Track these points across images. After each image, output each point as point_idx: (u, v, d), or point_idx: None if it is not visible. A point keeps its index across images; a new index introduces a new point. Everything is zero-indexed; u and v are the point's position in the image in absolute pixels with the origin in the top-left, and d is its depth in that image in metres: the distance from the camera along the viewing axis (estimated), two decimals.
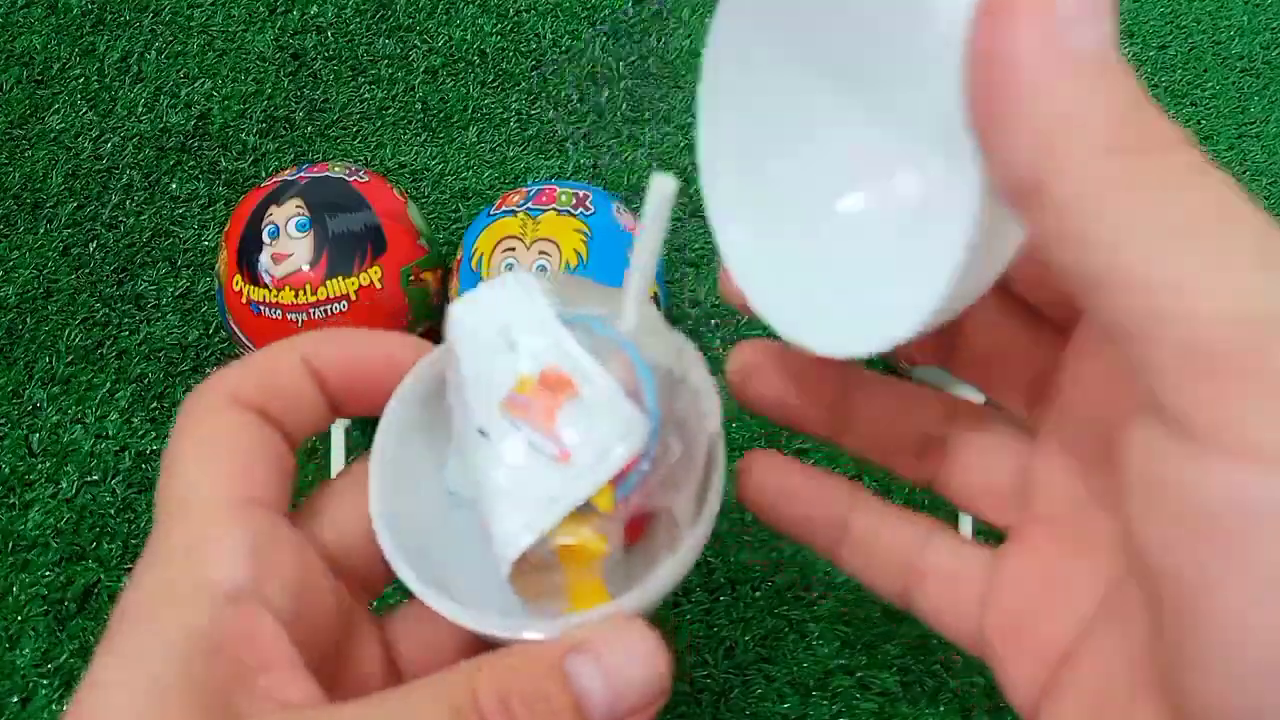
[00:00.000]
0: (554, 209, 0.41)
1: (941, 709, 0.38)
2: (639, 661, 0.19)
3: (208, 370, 0.47)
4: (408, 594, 0.21)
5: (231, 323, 0.42)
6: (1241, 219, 0.13)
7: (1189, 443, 0.13)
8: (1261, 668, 0.13)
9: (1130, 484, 0.15)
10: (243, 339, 0.42)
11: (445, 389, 0.22)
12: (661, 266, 0.44)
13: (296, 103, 0.57)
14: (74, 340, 0.48)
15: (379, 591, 0.25)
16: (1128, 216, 0.14)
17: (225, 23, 0.61)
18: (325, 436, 0.43)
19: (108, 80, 0.58)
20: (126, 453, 0.44)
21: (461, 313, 0.22)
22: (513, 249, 0.40)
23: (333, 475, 0.41)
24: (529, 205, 0.42)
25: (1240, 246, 0.13)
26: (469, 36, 0.61)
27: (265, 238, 0.40)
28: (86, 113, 0.56)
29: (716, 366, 0.47)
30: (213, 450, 0.21)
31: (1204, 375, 0.13)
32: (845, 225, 0.22)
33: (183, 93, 0.58)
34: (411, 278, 0.42)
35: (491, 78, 0.59)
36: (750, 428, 0.45)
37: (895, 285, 0.19)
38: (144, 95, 0.57)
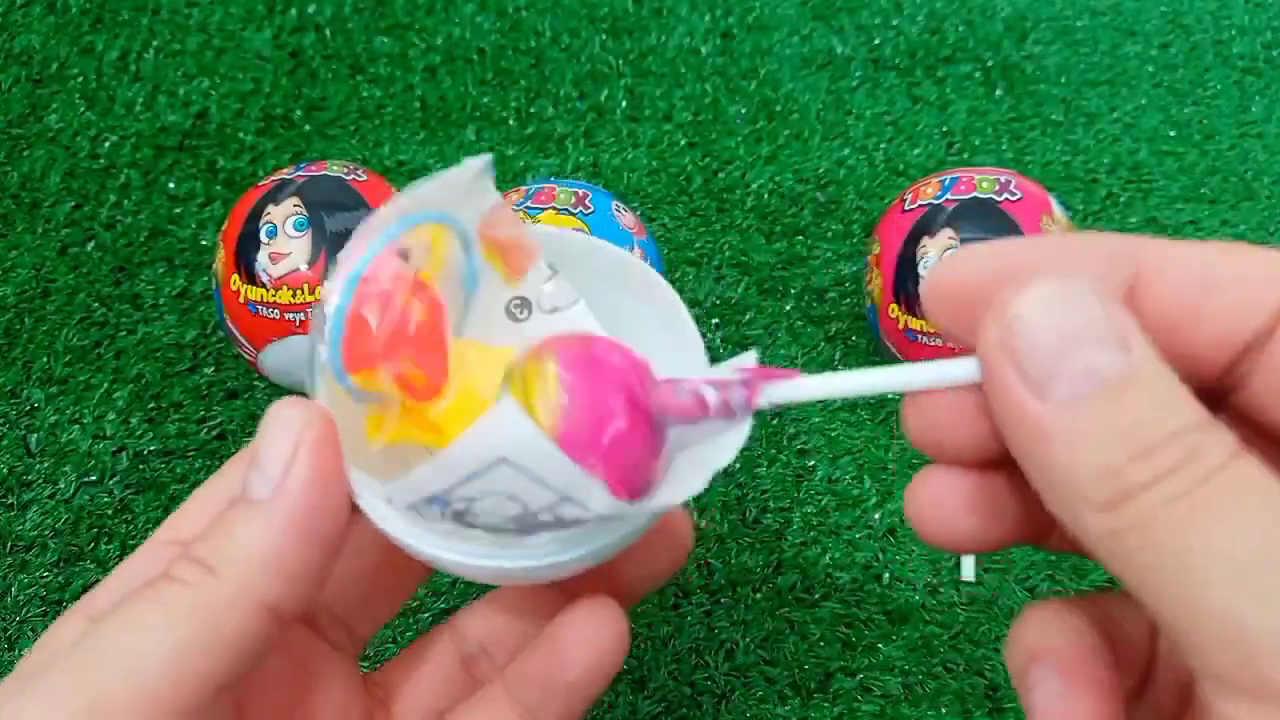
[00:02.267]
0: (553, 208, 0.41)
1: (943, 711, 0.38)
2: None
3: (206, 370, 0.47)
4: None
5: (229, 322, 0.42)
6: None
7: None
8: None
9: None
10: (240, 339, 0.42)
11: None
12: (661, 266, 0.44)
13: (294, 101, 0.57)
14: (71, 340, 0.48)
15: (362, 635, 0.25)
16: (1137, 570, 0.14)
17: (223, 21, 0.61)
18: None
19: (106, 79, 0.58)
20: (124, 453, 0.44)
21: None
22: None
23: None
24: (528, 204, 0.41)
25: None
26: (468, 34, 0.61)
27: (263, 237, 0.40)
28: (84, 111, 0.56)
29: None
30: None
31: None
32: None
33: (181, 91, 0.57)
34: None
35: (490, 75, 0.59)
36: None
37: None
38: (142, 94, 0.57)
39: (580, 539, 0.20)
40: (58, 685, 0.17)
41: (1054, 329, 0.15)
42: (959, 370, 0.17)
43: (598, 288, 0.24)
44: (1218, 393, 0.16)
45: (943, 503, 0.18)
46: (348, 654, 0.24)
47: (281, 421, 0.19)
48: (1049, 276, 0.15)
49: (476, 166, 0.22)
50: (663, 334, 0.24)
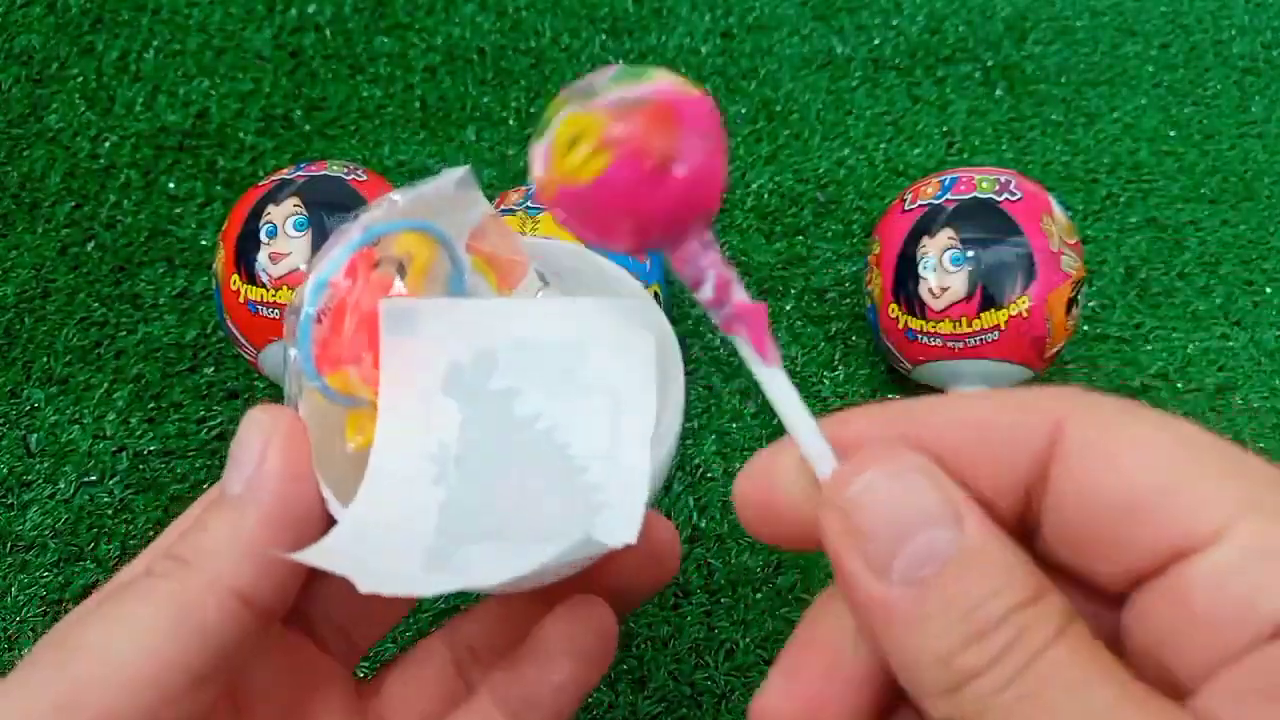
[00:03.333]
0: None
1: None
2: None
3: (205, 370, 0.47)
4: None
5: (229, 322, 0.42)
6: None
7: None
8: None
9: None
10: (240, 339, 0.42)
11: None
12: (661, 266, 0.44)
13: (294, 101, 0.57)
14: (72, 340, 0.48)
15: (360, 649, 0.25)
16: None
17: (223, 21, 0.61)
18: None
19: (106, 79, 0.58)
20: (124, 453, 0.44)
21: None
22: None
23: None
24: (528, 204, 0.41)
25: None
26: (468, 34, 0.61)
27: (263, 237, 0.40)
28: (85, 112, 0.56)
29: (718, 367, 0.47)
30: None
31: None
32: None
33: (181, 91, 0.57)
34: None
35: (490, 75, 0.59)
36: (751, 429, 0.45)
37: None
38: (142, 94, 0.57)
39: (540, 551, 0.20)
40: (35, 678, 0.18)
41: (889, 511, 0.15)
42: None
43: (586, 295, 0.25)
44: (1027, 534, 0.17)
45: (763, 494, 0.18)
46: (347, 663, 0.24)
47: (253, 423, 0.20)
48: (880, 456, 0.16)
49: (455, 177, 0.22)
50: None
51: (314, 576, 0.22)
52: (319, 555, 0.19)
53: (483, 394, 0.22)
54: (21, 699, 0.17)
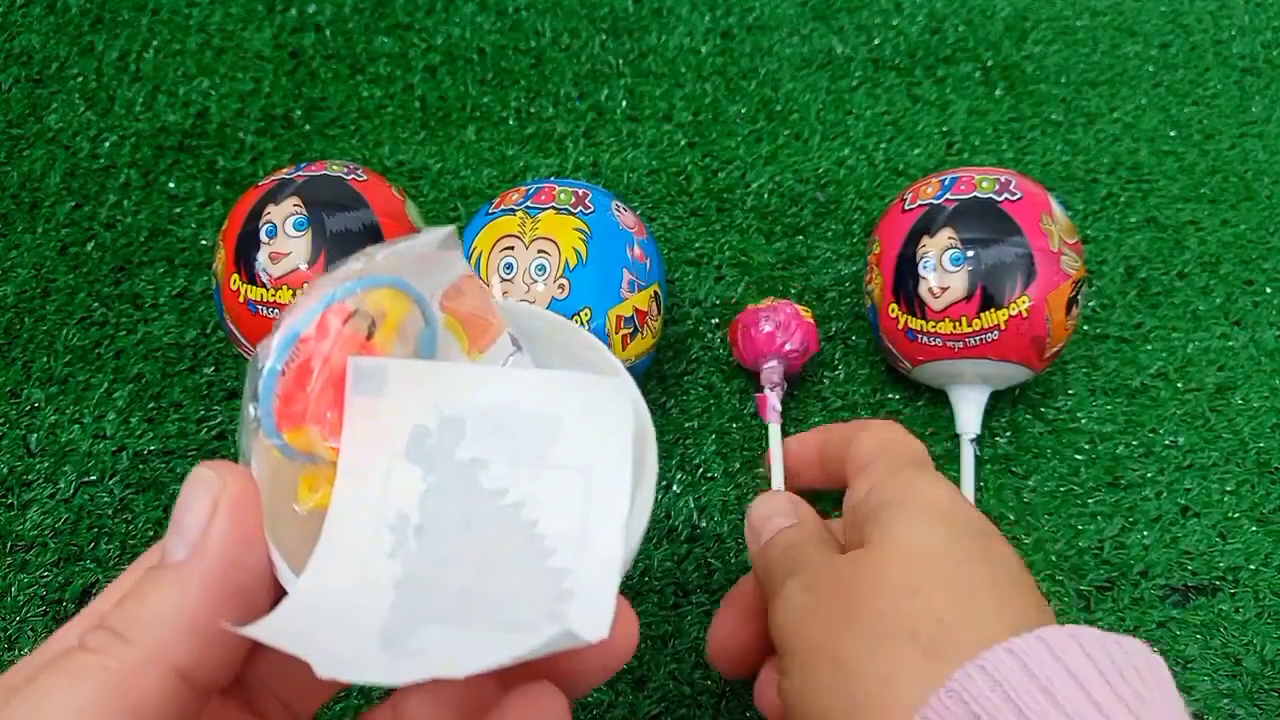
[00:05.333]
0: (553, 208, 0.41)
1: None
2: None
3: (205, 370, 0.47)
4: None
5: (229, 322, 0.42)
6: None
7: None
8: None
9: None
10: (240, 338, 0.42)
11: None
12: (661, 266, 0.44)
13: (294, 101, 0.57)
14: (72, 340, 0.48)
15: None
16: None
17: (223, 21, 0.61)
18: None
19: (106, 79, 0.58)
20: (124, 453, 0.44)
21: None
22: (511, 248, 0.40)
23: None
24: (528, 204, 0.41)
25: None
26: (468, 34, 0.61)
27: (263, 236, 0.40)
28: (85, 111, 0.56)
29: (718, 367, 0.47)
30: None
31: None
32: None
33: (181, 91, 0.57)
34: None
35: (490, 75, 0.59)
36: (751, 428, 0.45)
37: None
38: (142, 94, 0.57)
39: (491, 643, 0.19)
40: None
41: (760, 514, 0.34)
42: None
43: (559, 366, 0.24)
44: None
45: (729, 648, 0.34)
46: None
47: (199, 482, 0.19)
48: (764, 496, 0.35)
49: (438, 236, 0.21)
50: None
51: (257, 647, 0.20)
52: (269, 633, 0.18)
53: (448, 462, 0.21)
54: None
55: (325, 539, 0.20)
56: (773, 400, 0.42)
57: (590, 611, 0.19)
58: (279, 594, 0.20)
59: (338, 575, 0.20)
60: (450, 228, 0.22)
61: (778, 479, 0.39)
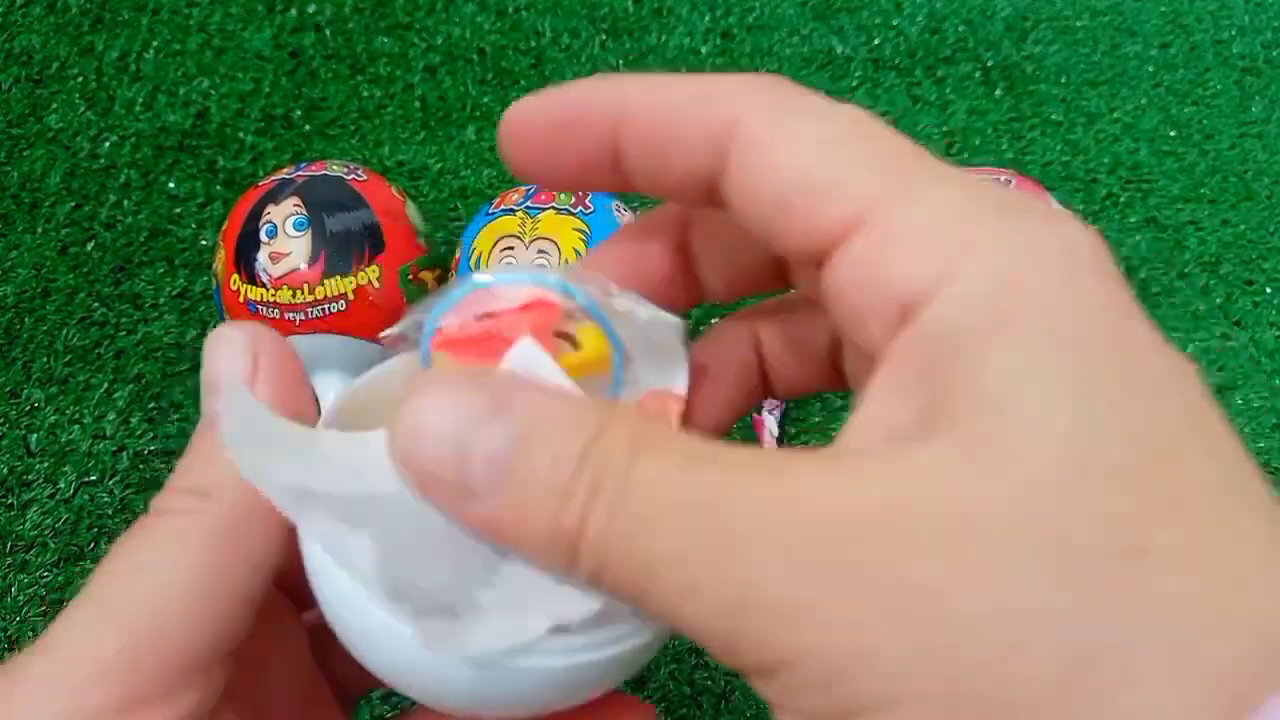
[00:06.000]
0: (553, 208, 0.41)
1: None
2: None
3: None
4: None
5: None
6: None
7: None
8: None
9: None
10: None
11: None
12: None
13: (294, 101, 0.57)
14: (72, 340, 0.48)
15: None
16: (627, 585, 0.14)
17: (223, 21, 0.61)
18: None
19: (106, 79, 0.58)
20: (124, 453, 0.44)
21: None
22: (511, 248, 0.40)
23: None
24: (528, 204, 0.41)
25: None
26: (468, 34, 0.61)
27: (263, 237, 0.40)
28: (85, 111, 0.56)
29: None
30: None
31: None
32: None
33: (181, 91, 0.57)
34: (410, 277, 0.42)
35: (490, 75, 0.59)
36: (750, 428, 0.45)
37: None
38: (142, 94, 0.57)
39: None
40: (77, 634, 0.16)
41: (440, 445, 0.14)
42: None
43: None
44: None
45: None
46: None
47: (227, 343, 0.18)
48: (414, 392, 0.15)
49: (675, 325, 0.18)
50: None
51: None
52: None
53: None
54: (71, 650, 0.16)
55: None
56: (770, 424, 0.40)
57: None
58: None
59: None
60: (681, 322, 0.18)
61: None
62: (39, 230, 0.52)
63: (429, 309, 0.18)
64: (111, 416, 0.45)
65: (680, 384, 0.19)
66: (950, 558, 0.12)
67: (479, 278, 0.18)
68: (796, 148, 0.14)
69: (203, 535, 0.16)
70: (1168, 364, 0.13)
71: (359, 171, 0.43)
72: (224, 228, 0.42)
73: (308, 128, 0.56)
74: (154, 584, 0.16)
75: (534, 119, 0.16)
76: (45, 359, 0.47)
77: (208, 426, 0.18)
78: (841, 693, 0.12)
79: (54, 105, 0.57)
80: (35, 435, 0.45)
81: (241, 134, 0.55)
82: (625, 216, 0.42)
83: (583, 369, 0.19)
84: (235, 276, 0.41)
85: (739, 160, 0.15)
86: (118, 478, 0.43)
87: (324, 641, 0.20)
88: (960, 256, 0.13)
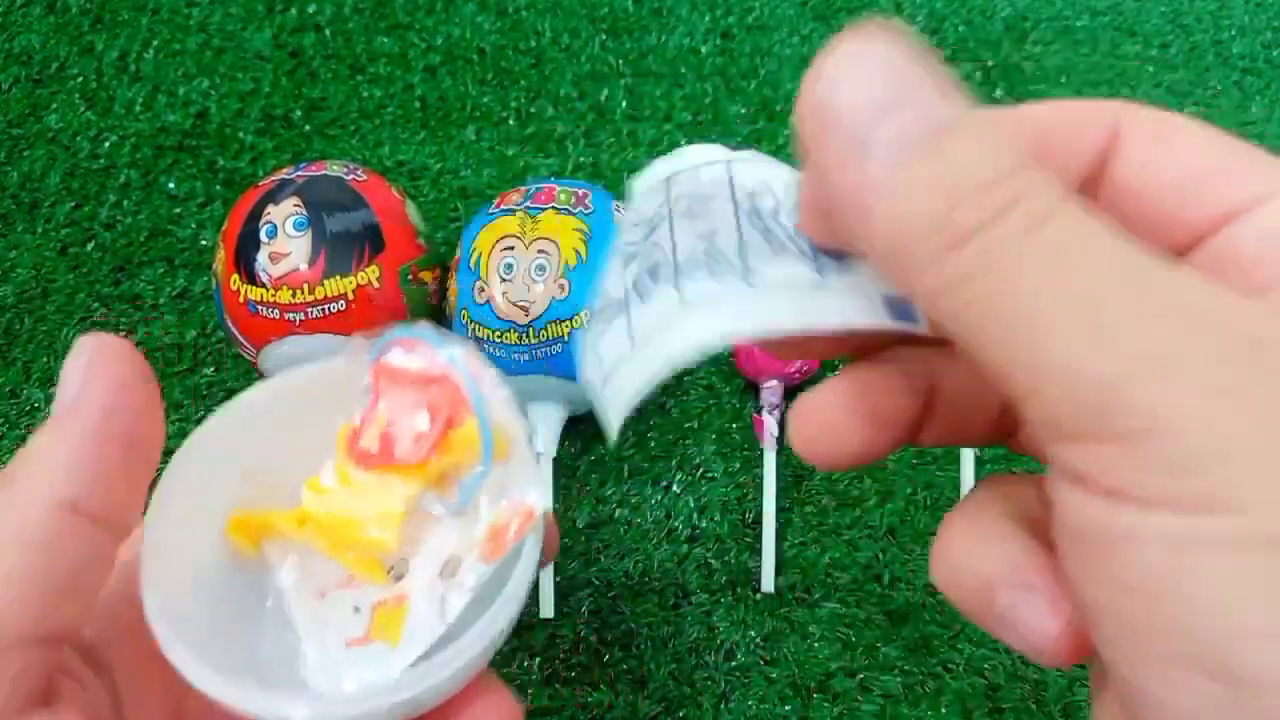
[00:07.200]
0: (553, 208, 0.41)
1: (943, 711, 0.38)
2: None
3: (205, 370, 0.47)
4: None
5: (229, 322, 0.42)
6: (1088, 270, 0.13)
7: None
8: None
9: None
10: (240, 339, 0.42)
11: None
12: None
13: (294, 101, 0.57)
14: (71, 340, 0.47)
15: None
16: (978, 320, 0.13)
17: (223, 21, 0.61)
18: None
19: (106, 79, 0.58)
20: None
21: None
22: (511, 248, 0.40)
23: None
24: (528, 204, 0.41)
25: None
26: (468, 34, 0.61)
27: (263, 237, 0.40)
28: (84, 112, 0.56)
29: (718, 367, 0.47)
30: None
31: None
32: None
33: (180, 91, 0.57)
34: (410, 277, 0.42)
35: (490, 75, 0.59)
36: (751, 429, 0.45)
37: None
38: (142, 94, 0.57)
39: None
40: None
41: (857, 96, 0.14)
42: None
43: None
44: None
45: (823, 412, 0.18)
46: None
47: (78, 348, 0.20)
48: (846, 39, 0.14)
49: (613, 429, 0.19)
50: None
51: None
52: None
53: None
54: None
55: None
56: (770, 425, 0.41)
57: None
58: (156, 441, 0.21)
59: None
60: (615, 433, 0.18)
61: (769, 508, 0.35)
62: (39, 230, 0.51)
63: (382, 338, 0.22)
64: None
65: (532, 497, 0.22)
66: None
67: (418, 328, 0.22)
68: (1198, 142, 0.16)
69: None
70: None
71: (359, 171, 0.43)
72: (224, 228, 0.42)
73: (308, 128, 0.56)
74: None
75: None
76: (45, 359, 0.47)
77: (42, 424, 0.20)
78: (1187, 477, 0.12)
79: (54, 105, 0.57)
80: None
81: (241, 134, 0.55)
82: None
83: (452, 449, 0.22)
84: (235, 276, 0.40)
85: (1129, 154, 0.16)
86: None
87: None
88: None
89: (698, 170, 0.19)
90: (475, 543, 0.22)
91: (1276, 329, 0.13)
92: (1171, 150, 0.16)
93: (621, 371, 0.16)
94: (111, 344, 0.20)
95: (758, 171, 0.19)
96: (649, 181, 0.19)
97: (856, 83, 0.14)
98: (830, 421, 0.18)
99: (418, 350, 0.22)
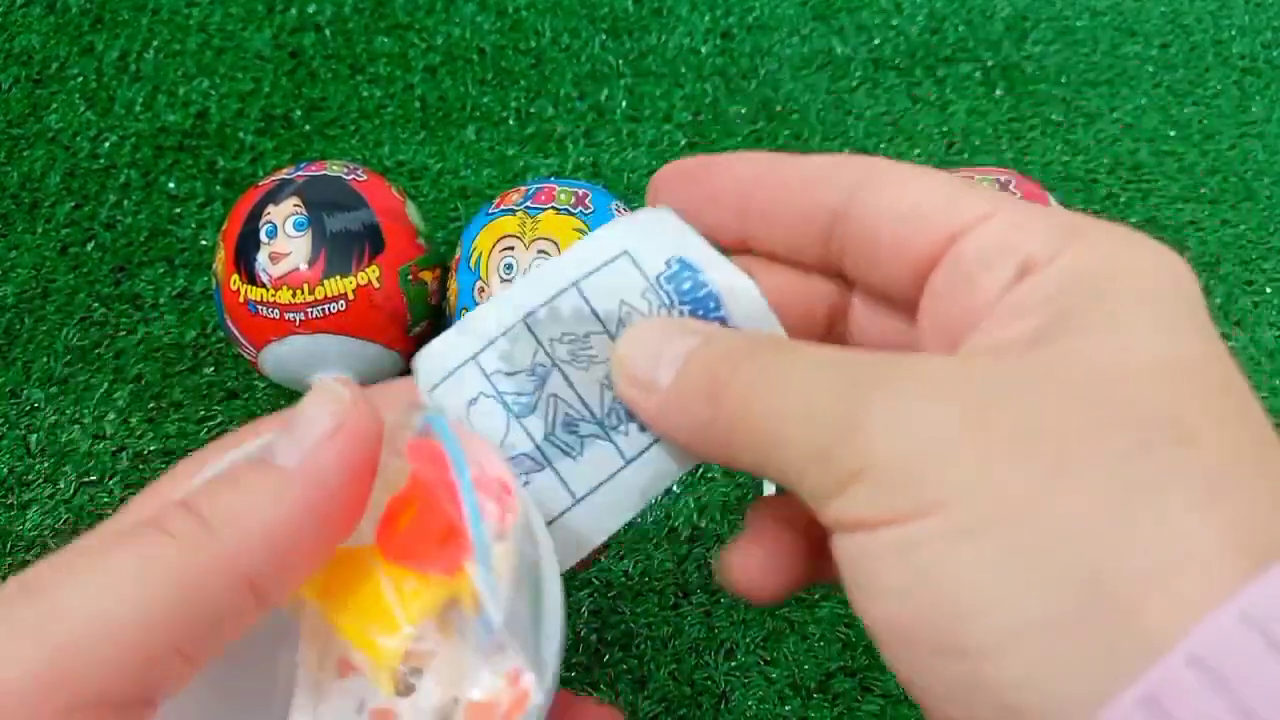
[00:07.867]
0: (553, 208, 0.41)
1: None
2: None
3: (205, 370, 0.47)
4: None
5: (229, 322, 0.42)
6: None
7: None
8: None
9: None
10: (240, 339, 0.42)
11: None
12: None
13: (294, 101, 0.57)
14: (71, 340, 0.48)
15: None
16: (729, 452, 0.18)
17: (223, 21, 0.61)
18: None
19: (106, 79, 0.58)
20: (124, 453, 0.44)
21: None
22: (511, 248, 0.40)
23: None
24: (528, 204, 0.41)
25: None
26: (468, 34, 0.61)
27: (263, 237, 0.40)
28: (85, 112, 0.56)
29: None
30: None
31: None
32: None
33: (180, 91, 0.57)
34: (410, 277, 0.42)
35: (490, 75, 0.59)
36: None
37: None
38: (142, 94, 0.57)
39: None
40: (11, 647, 0.15)
41: (645, 347, 0.19)
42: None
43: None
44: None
45: (749, 571, 0.21)
46: None
47: (330, 395, 0.18)
48: (638, 329, 0.20)
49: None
50: None
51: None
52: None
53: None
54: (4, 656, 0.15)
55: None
56: None
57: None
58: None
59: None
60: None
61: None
62: (39, 230, 0.52)
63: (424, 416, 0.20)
64: (111, 416, 0.45)
65: (527, 680, 0.18)
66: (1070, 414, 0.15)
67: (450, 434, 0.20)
68: (927, 184, 0.19)
69: (175, 576, 0.16)
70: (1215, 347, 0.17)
71: (359, 171, 0.43)
72: (224, 228, 0.42)
73: (308, 128, 0.56)
74: (99, 610, 0.16)
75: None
76: (45, 359, 0.47)
77: (258, 459, 0.18)
78: (906, 495, 0.15)
79: (54, 105, 0.57)
80: (35, 435, 0.45)
81: (241, 134, 0.55)
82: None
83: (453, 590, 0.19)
84: (235, 276, 0.40)
85: (864, 199, 0.19)
86: (118, 478, 0.43)
87: None
88: (1071, 239, 0.17)
89: (555, 304, 0.21)
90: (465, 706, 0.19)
91: (945, 365, 0.16)
92: (905, 190, 0.19)
93: (575, 521, 0.20)
94: (371, 425, 0.18)
95: (611, 281, 0.21)
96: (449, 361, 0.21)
97: (642, 339, 0.19)
98: (752, 573, 0.21)
99: (435, 463, 0.19)
